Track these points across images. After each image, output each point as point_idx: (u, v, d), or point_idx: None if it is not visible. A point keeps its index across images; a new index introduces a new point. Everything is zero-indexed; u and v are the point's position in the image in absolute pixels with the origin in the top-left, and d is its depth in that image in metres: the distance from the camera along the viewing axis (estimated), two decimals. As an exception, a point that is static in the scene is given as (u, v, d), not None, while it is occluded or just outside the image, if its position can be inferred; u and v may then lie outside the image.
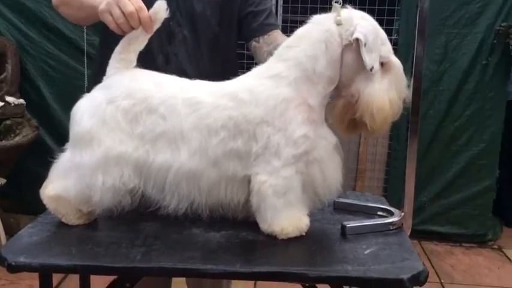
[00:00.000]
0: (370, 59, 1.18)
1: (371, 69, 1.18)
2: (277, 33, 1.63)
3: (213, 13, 1.63)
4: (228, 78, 1.32)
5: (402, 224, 1.35)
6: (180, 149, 1.25)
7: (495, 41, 3.22)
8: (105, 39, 1.66)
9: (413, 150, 1.32)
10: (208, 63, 1.64)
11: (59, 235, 1.27)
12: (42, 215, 1.38)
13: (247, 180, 1.26)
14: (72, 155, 1.27)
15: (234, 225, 1.31)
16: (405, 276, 1.08)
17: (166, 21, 1.54)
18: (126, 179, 1.25)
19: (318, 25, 1.24)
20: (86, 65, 3.37)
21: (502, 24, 3.21)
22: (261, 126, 1.22)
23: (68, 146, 1.31)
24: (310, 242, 1.25)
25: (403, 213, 1.36)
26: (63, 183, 1.27)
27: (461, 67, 3.36)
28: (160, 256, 1.16)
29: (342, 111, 1.24)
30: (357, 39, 1.19)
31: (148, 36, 1.33)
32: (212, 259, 1.14)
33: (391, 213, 1.39)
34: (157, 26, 1.31)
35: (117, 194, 1.26)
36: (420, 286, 1.11)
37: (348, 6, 1.24)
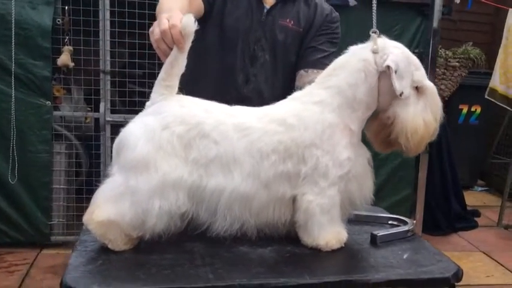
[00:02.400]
0: (400, 85, 1.32)
1: (400, 95, 1.32)
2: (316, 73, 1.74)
3: (293, 43, 1.78)
4: None
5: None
6: (232, 173, 1.30)
7: (410, 66, 3.63)
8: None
9: (424, 162, 1.52)
10: (282, 87, 1.77)
11: (114, 262, 1.25)
12: (77, 244, 1.35)
13: (293, 200, 1.36)
14: (126, 180, 1.27)
15: (276, 241, 1.39)
16: (449, 274, 1.26)
17: (252, 45, 1.76)
18: (181, 204, 1.28)
19: (356, 55, 1.38)
20: (13, 87, 3.17)
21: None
22: (310, 149, 1.33)
23: (116, 170, 1.30)
24: (349, 251, 1.38)
25: (415, 221, 1.55)
26: (115, 208, 1.26)
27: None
28: (229, 273, 1.21)
29: (377, 130, 1.39)
30: (388, 67, 1.33)
31: (183, 55, 1.33)
32: (279, 273, 1.22)
33: (403, 222, 1.57)
34: (189, 41, 1.32)
35: (170, 218, 1.28)
36: (457, 282, 1.28)
37: (382, 36, 1.39)
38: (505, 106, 4.03)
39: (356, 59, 1.38)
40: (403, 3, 3.44)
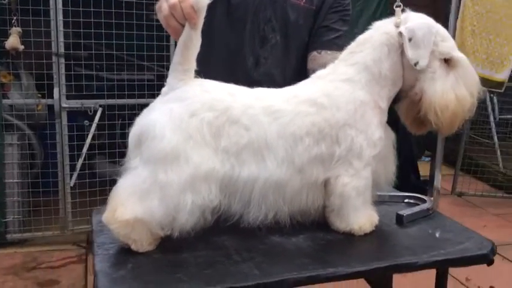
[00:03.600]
0: (415, 54, 1.25)
1: (415, 64, 1.25)
2: (338, 55, 1.65)
3: (305, 22, 1.65)
4: None
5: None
6: (265, 160, 1.22)
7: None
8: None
9: (441, 143, 1.51)
10: (294, 70, 1.66)
11: (145, 264, 1.14)
12: (96, 247, 1.22)
13: (325, 184, 1.30)
14: (153, 174, 1.15)
15: (305, 228, 1.32)
16: (487, 250, 1.26)
17: (262, 25, 1.63)
18: (213, 197, 1.18)
19: (379, 29, 1.32)
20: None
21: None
22: (344, 129, 1.27)
23: (138, 163, 1.18)
24: (381, 234, 1.35)
25: (432, 198, 1.54)
26: (143, 205, 1.14)
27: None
28: (274, 267, 1.14)
29: (407, 108, 1.34)
30: (400, 33, 1.26)
31: (197, 32, 1.21)
32: (324, 262, 1.16)
33: (420, 199, 1.56)
34: (201, 16, 1.20)
35: (202, 213, 1.18)
36: (494, 255, 1.28)
37: (407, 9, 1.33)
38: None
39: (379, 33, 1.32)
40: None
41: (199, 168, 1.16)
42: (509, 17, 3.98)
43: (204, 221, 1.20)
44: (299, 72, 1.64)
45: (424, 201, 1.54)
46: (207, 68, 1.42)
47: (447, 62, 1.28)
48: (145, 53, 3.29)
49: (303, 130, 1.24)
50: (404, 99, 1.35)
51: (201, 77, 1.30)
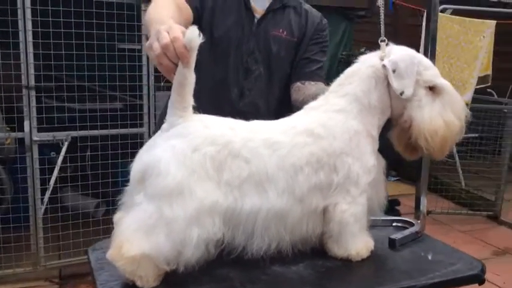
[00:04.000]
0: (399, 84, 1.32)
1: (401, 94, 1.32)
2: (322, 86, 1.69)
3: (287, 53, 1.70)
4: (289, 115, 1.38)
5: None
6: (267, 191, 1.25)
7: (339, 68, 3.78)
8: None
9: (425, 167, 1.57)
10: (277, 99, 1.71)
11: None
12: (100, 287, 1.21)
13: (323, 212, 1.34)
14: (158, 209, 1.15)
15: (303, 256, 1.35)
16: (478, 270, 1.32)
17: (245, 57, 1.67)
18: (217, 229, 1.20)
19: (365, 62, 1.39)
20: None
21: (343, 53, 3.78)
22: (341, 158, 1.31)
23: (143, 199, 1.19)
24: (376, 259, 1.39)
25: (419, 221, 1.60)
26: (149, 241, 1.15)
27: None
28: (281, 299, 1.16)
29: (398, 136, 1.40)
30: (384, 66, 1.33)
31: (191, 70, 1.22)
32: (330, 291, 1.20)
33: (407, 223, 1.61)
34: (194, 55, 1.21)
35: (206, 246, 1.20)
36: (484, 274, 1.34)
37: (390, 43, 1.40)
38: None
39: (365, 66, 1.39)
40: (331, 7, 3.56)
41: (203, 202, 1.18)
42: (467, 42, 4.20)
43: (207, 254, 1.21)
44: (282, 102, 1.70)
45: (411, 224, 1.60)
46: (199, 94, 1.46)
47: (432, 89, 1.35)
48: (117, 83, 3.29)
49: (303, 160, 1.28)
50: (395, 127, 1.41)
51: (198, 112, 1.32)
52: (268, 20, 1.76)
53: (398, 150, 1.43)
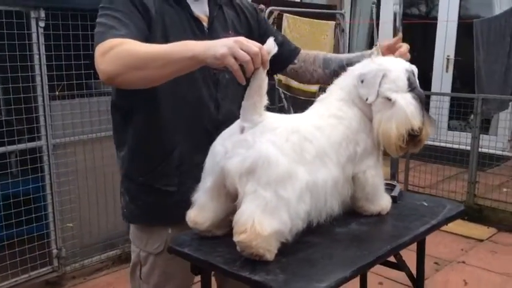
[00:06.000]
0: (364, 92, 1.67)
1: (366, 100, 1.63)
2: (302, 52, 1.94)
3: None
4: None
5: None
6: (327, 164, 1.56)
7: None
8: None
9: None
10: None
11: (291, 263, 1.39)
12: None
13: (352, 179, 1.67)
14: (276, 193, 1.39)
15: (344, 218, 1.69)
16: (461, 208, 1.85)
17: (211, 70, 1.76)
18: (309, 203, 1.48)
19: (353, 71, 1.75)
20: None
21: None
22: (360, 134, 1.67)
23: (259, 187, 1.40)
24: (390, 214, 1.79)
25: (397, 183, 2.08)
26: (277, 220, 1.38)
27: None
28: (366, 247, 1.51)
29: None
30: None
31: (265, 73, 1.44)
32: (370, 251, 1.51)
33: (390, 185, 2.04)
34: None
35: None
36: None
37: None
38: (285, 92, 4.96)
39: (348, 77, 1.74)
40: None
41: (302, 182, 1.46)
42: (315, 41, 4.92)
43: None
44: None
45: (393, 185, 2.06)
46: (177, 138, 1.74)
47: (389, 100, 1.64)
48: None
49: (340, 137, 1.61)
50: None
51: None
52: (216, 25, 1.82)
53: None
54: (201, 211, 1.57)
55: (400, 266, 1.87)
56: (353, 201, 1.73)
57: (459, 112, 5.59)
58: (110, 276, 3.77)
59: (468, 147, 5.07)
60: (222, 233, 1.60)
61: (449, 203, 1.92)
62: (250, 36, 1.63)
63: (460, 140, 5.46)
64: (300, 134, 1.52)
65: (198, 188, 1.59)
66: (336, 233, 1.62)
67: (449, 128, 6.78)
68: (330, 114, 1.65)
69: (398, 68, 1.66)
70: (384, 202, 1.77)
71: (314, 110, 1.71)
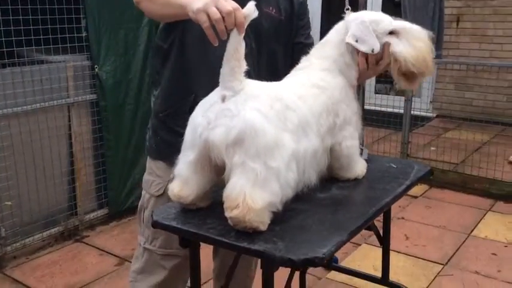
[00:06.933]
0: (366, 47, 1.70)
1: (372, 51, 1.71)
2: None
3: (276, 31, 1.84)
4: None
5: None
6: (308, 134, 1.55)
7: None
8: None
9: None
10: (266, 75, 1.76)
11: (290, 229, 1.39)
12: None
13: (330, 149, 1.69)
14: (265, 164, 1.36)
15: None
16: (428, 168, 1.95)
17: None
18: (295, 171, 1.47)
19: (336, 32, 1.77)
20: None
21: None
22: (340, 105, 1.68)
23: (247, 159, 1.35)
24: (367, 176, 1.85)
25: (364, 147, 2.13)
26: (268, 192, 1.36)
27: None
28: (347, 212, 1.55)
29: (393, 71, 1.73)
30: (348, 43, 1.70)
31: (242, 37, 1.41)
32: (358, 214, 1.56)
33: (361, 149, 2.09)
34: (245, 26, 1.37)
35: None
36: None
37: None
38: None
39: (336, 35, 1.76)
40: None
41: (289, 150, 1.43)
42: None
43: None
44: (270, 79, 1.78)
45: (361, 150, 2.10)
46: (192, 81, 1.78)
47: (392, 33, 1.71)
48: None
49: (320, 107, 1.61)
50: (387, 66, 1.76)
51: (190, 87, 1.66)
52: None
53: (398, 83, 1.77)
54: (184, 185, 1.52)
55: (371, 227, 1.94)
56: (329, 170, 1.75)
57: (385, 75, 5.77)
58: (54, 254, 3.61)
59: (396, 110, 5.30)
60: (205, 205, 1.57)
61: (416, 164, 2.00)
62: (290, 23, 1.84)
63: (388, 103, 5.68)
64: (282, 103, 1.48)
65: (178, 160, 1.54)
66: (318, 198, 1.64)
67: (376, 92, 7.03)
68: (312, 83, 1.64)
69: (371, 12, 1.74)
70: (359, 168, 1.81)
71: (294, 78, 1.69)
